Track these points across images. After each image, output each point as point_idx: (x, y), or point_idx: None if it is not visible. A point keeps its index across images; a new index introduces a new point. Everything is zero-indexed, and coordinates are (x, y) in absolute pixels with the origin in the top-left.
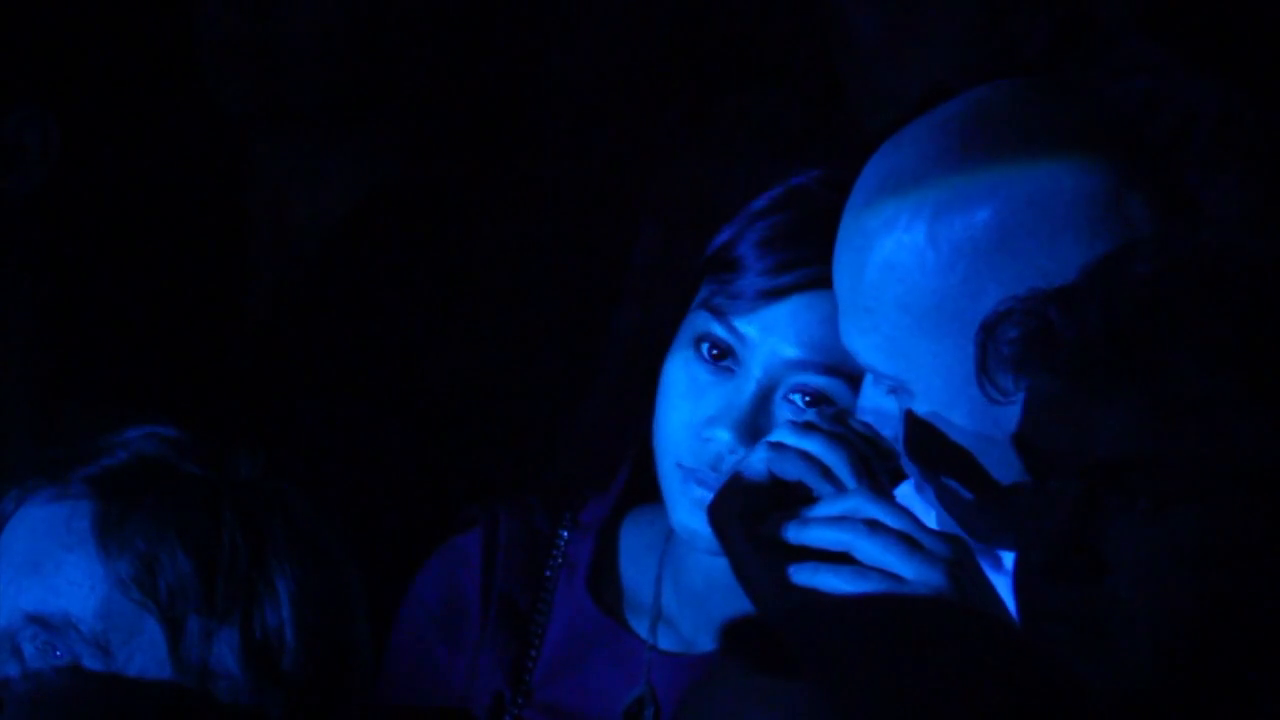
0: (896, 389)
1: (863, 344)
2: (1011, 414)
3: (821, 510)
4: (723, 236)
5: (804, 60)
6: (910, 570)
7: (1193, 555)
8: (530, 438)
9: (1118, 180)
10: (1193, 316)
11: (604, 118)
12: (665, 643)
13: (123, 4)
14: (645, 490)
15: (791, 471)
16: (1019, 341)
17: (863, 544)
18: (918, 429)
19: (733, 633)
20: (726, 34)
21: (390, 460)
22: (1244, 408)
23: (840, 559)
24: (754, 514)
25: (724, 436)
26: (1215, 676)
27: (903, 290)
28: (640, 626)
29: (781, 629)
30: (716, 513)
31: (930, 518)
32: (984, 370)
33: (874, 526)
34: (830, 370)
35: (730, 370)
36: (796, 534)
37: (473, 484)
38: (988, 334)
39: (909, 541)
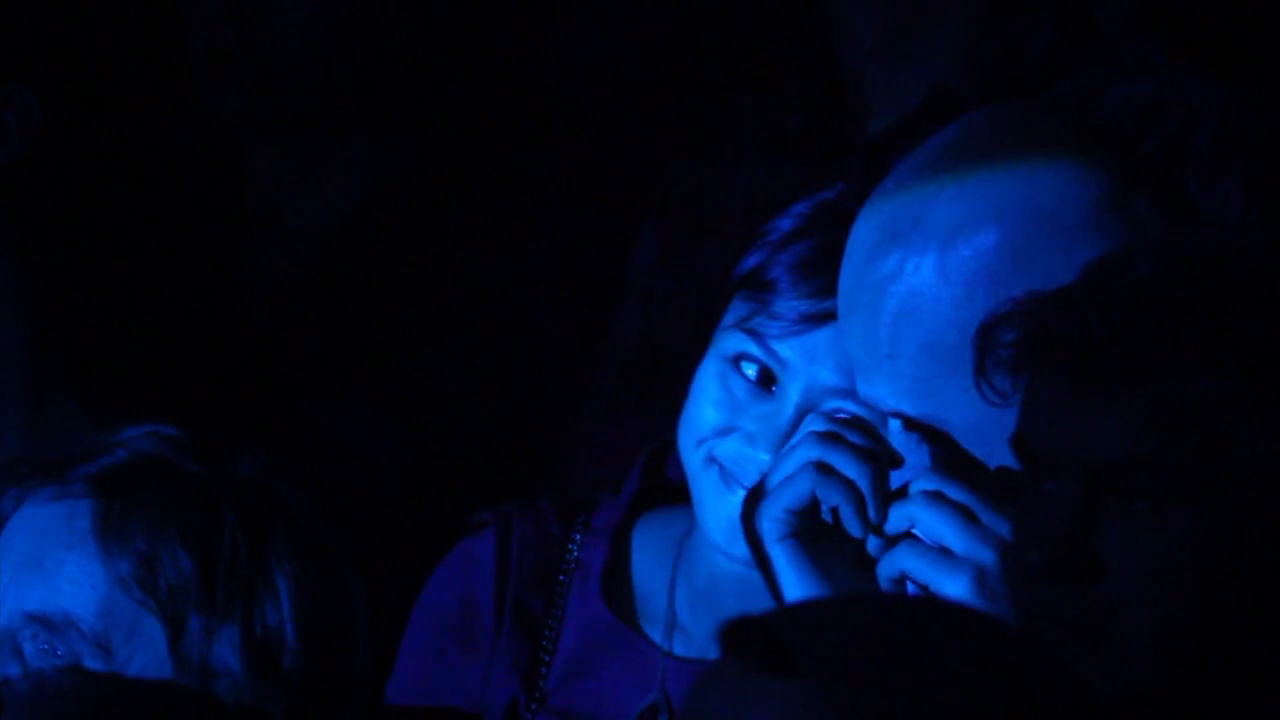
0: (925, 431)
1: (887, 391)
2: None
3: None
4: (754, 257)
5: (805, 62)
6: (961, 544)
7: (1191, 556)
8: (530, 439)
9: (1119, 182)
10: (1191, 318)
11: (605, 120)
12: (679, 649)
13: (119, 6)
14: (657, 494)
15: (833, 498)
16: (1017, 343)
17: (922, 515)
18: (957, 462)
19: (733, 633)
20: (728, 36)
21: (386, 460)
22: (1242, 409)
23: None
24: (787, 521)
25: (764, 458)
26: (1215, 677)
27: (923, 333)
28: (654, 632)
29: (783, 629)
30: (748, 517)
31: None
32: (981, 372)
33: (935, 498)
34: None
35: (767, 391)
36: (869, 518)
37: (472, 484)
38: (985, 336)
39: (966, 514)
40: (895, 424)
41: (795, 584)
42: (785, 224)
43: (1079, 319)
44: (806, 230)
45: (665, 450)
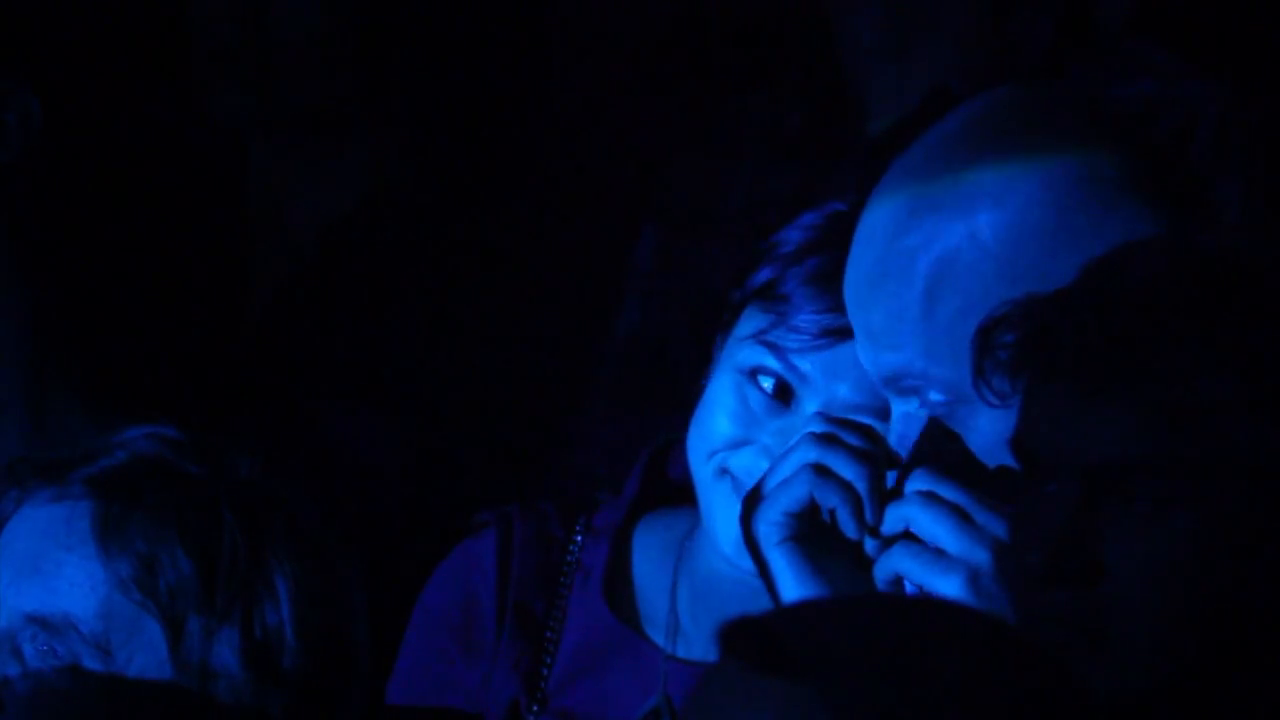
0: (949, 410)
1: (916, 354)
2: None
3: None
4: (766, 271)
5: (806, 61)
6: (955, 545)
7: (1191, 558)
8: (530, 440)
9: (1152, 163)
10: (1191, 319)
11: (605, 119)
12: (681, 651)
13: (121, 5)
14: (658, 495)
15: (831, 501)
16: (1016, 345)
17: (917, 515)
18: (957, 458)
19: (732, 633)
20: (728, 35)
21: (386, 460)
22: (1242, 410)
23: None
24: (785, 524)
25: None
26: (1214, 679)
27: (962, 296)
28: (656, 634)
29: (783, 629)
30: (746, 520)
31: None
32: (980, 374)
33: (929, 498)
34: (885, 414)
35: (785, 404)
36: (864, 519)
37: (473, 485)
38: (984, 338)
39: (960, 514)
40: (898, 411)
41: (794, 588)
42: (795, 236)
43: (1078, 320)
44: (821, 243)
45: (666, 450)
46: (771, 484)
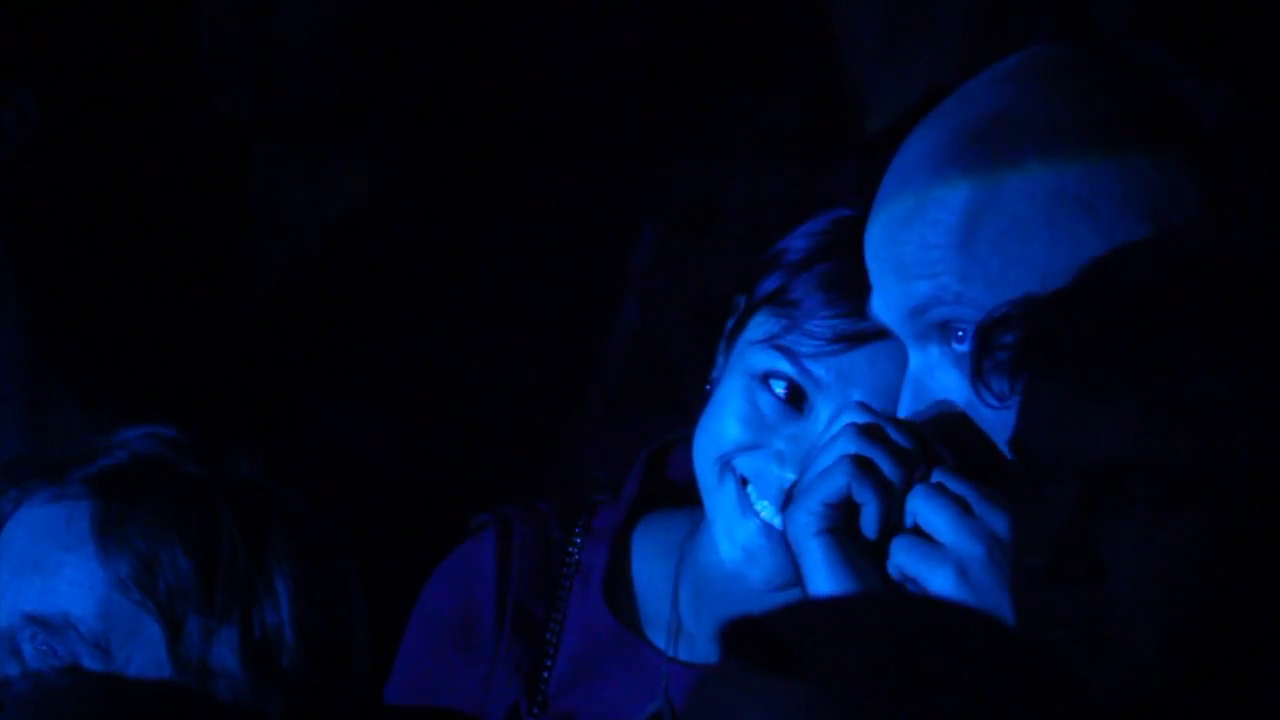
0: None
1: (953, 280)
2: (1011, 418)
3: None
4: (774, 280)
5: (804, 62)
6: (950, 537)
7: (1191, 558)
8: (530, 440)
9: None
10: (1190, 318)
11: (604, 120)
12: (684, 654)
13: (121, 6)
14: (657, 496)
15: (863, 494)
16: (1015, 345)
17: (921, 507)
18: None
19: (733, 633)
20: (727, 35)
21: (386, 461)
22: (1242, 410)
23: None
24: (824, 515)
25: (791, 477)
26: (1214, 678)
27: (1006, 220)
28: (657, 637)
29: (783, 629)
30: (792, 521)
31: None
32: (979, 374)
33: (934, 490)
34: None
35: (797, 409)
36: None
37: (472, 485)
38: (983, 338)
39: (960, 505)
40: (916, 363)
41: (826, 580)
42: (801, 243)
43: (1077, 321)
44: (828, 248)
45: (665, 451)
46: (812, 474)
